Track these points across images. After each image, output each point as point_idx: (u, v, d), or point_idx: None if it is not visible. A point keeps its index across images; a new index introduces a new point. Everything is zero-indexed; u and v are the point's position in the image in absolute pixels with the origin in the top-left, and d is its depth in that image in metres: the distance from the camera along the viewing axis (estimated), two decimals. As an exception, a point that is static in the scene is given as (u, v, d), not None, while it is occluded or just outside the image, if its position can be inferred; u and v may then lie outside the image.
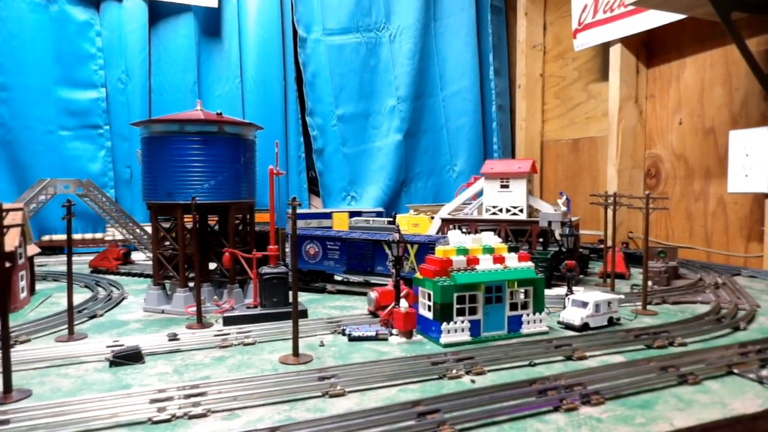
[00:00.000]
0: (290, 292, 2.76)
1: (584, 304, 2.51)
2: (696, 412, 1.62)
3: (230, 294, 3.10)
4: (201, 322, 2.65)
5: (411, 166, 6.32)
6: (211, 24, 5.86)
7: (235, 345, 2.34)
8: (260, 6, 5.88)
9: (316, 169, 6.25)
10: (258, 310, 2.78)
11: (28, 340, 2.43)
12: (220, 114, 3.14)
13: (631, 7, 4.64)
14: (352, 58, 6.14)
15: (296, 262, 2.13)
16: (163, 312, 3.00)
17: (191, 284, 3.01)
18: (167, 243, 3.19)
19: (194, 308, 2.70)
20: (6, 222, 1.82)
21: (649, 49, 5.14)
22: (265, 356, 2.21)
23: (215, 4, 5.70)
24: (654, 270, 3.37)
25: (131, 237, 4.46)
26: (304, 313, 2.80)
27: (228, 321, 2.66)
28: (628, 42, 5.08)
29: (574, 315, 2.50)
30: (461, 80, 6.39)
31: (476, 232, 3.49)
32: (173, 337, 2.35)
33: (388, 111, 6.20)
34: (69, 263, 2.43)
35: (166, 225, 3.26)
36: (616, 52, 5.15)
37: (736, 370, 1.90)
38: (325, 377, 1.87)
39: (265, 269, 2.82)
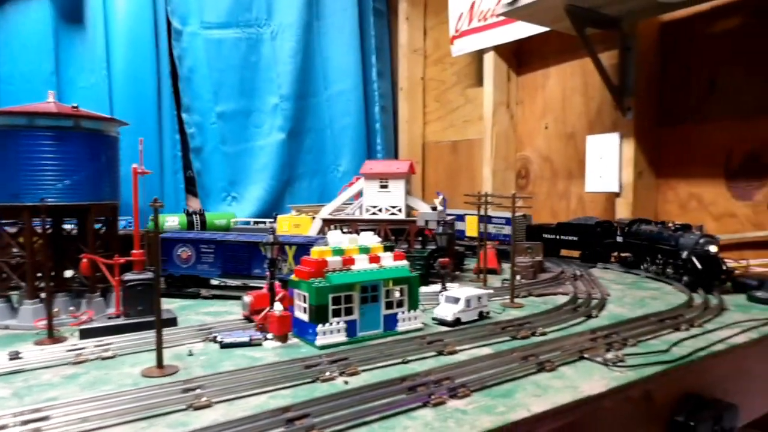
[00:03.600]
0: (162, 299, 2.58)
1: (456, 300, 2.60)
2: (551, 397, 1.74)
3: (90, 304, 2.84)
4: (52, 337, 2.39)
5: (295, 166, 6.23)
6: (71, 8, 5.36)
7: (92, 360, 2.14)
8: (128, -8, 5.48)
9: (193, 168, 5.94)
10: (121, 320, 2.57)
11: None
12: (76, 107, 2.86)
13: (502, 18, 4.92)
14: (232, 53, 5.92)
15: (159, 265, 1.99)
16: (7, 327, 2.67)
17: (43, 295, 2.71)
18: (14, 250, 2.85)
19: (45, 321, 2.44)
20: None
21: (519, 57, 5.49)
22: (125, 370, 2.04)
23: (74, -14, 5.22)
24: (521, 265, 3.59)
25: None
26: (172, 321, 2.63)
27: (85, 333, 2.43)
28: (500, 50, 5.39)
29: (446, 311, 2.58)
30: (345, 81, 6.41)
31: (357, 232, 3.50)
32: (15, 356, 2.10)
33: (271, 109, 6.06)
34: None
35: (13, 230, 2.92)
36: (489, 60, 5.44)
37: (586, 355, 2.06)
38: (190, 389, 1.76)
39: (128, 276, 2.62)
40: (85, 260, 2.74)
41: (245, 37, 5.97)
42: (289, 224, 4.22)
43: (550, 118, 5.21)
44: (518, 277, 3.46)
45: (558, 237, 4.33)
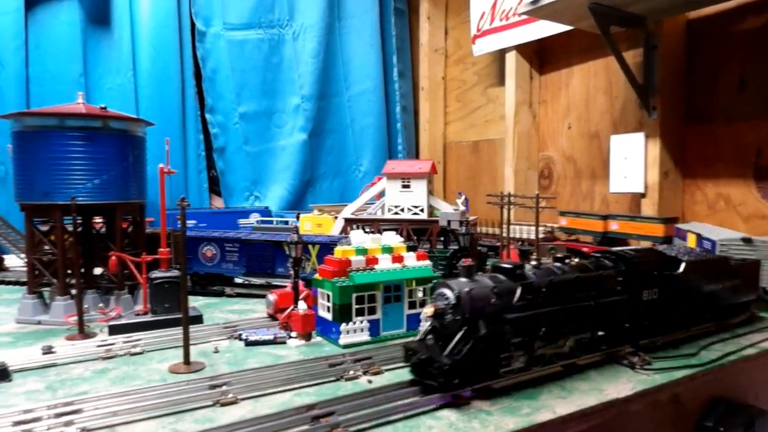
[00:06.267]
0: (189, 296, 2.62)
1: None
2: (576, 399, 1.73)
3: (118, 301, 2.90)
4: (83, 333, 2.45)
5: (316, 166, 6.26)
6: (98, 11, 5.45)
7: (121, 355, 2.19)
8: (154, -6, 5.56)
9: (217, 168, 6.02)
10: (148, 317, 2.62)
11: None
12: (105, 108, 2.92)
13: (524, 17, 4.88)
14: (254, 54, 5.97)
15: (185, 264, 2.02)
16: (39, 323, 2.74)
17: (73, 291, 2.78)
18: (46, 247, 2.92)
19: (75, 317, 2.49)
20: None
21: (541, 56, 5.44)
22: (153, 366, 2.08)
23: (102, -11, 5.32)
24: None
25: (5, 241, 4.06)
26: (198, 319, 2.67)
27: (114, 330, 2.48)
28: (522, 49, 5.35)
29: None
30: (366, 81, 6.42)
31: (379, 231, 3.51)
32: (48, 351, 2.15)
33: (293, 110, 6.10)
34: None
35: (45, 228, 3.00)
36: (511, 59, 5.40)
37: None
38: (217, 385, 1.79)
39: (155, 273, 2.67)
40: (113, 258, 2.80)
41: (267, 38, 6.02)
42: (312, 223, 4.24)
43: (573, 117, 5.15)
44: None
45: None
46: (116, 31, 5.54)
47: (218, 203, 6.13)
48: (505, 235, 3.65)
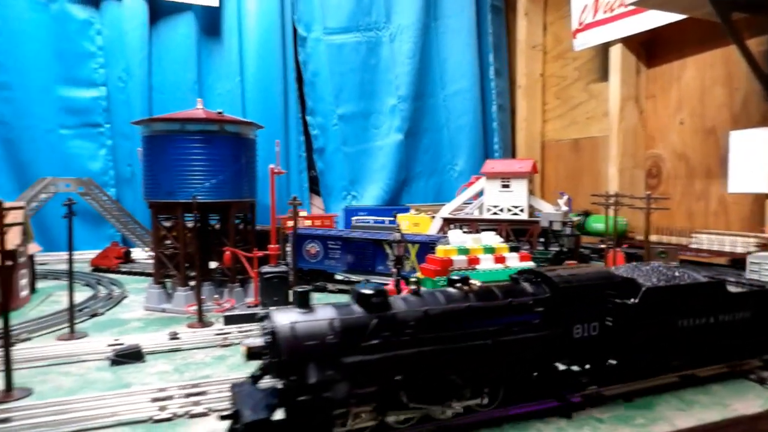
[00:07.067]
0: (290, 291, 2.76)
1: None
2: (697, 413, 1.63)
3: (231, 293, 3.10)
4: (202, 321, 2.65)
5: (412, 166, 6.32)
6: (211, 23, 5.86)
7: (236, 344, 2.34)
8: (260, 5, 5.88)
9: (316, 168, 6.25)
10: (259, 309, 2.78)
11: (29, 339, 2.43)
12: (221, 113, 3.14)
13: (631, 7, 4.63)
14: (352, 57, 6.13)
15: (296, 259, 2.13)
16: (164, 311, 3.00)
17: (191, 283, 3.01)
18: (168, 242, 3.19)
19: (195, 307, 2.70)
20: (7, 221, 1.82)
21: (650, 49, 5.14)
22: (266, 355, 2.20)
23: (216, 3, 5.70)
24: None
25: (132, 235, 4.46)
26: (304, 313, 2.79)
27: (229, 320, 2.66)
28: (628, 42, 5.08)
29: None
30: (461, 80, 6.39)
31: (477, 231, 3.49)
32: (174, 336, 2.35)
33: (389, 110, 6.20)
34: (70, 262, 2.43)
35: (167, 224, 3.27)
36: (616, 52, 5.15)
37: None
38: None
39: (265, 268, 2.82)
40: (227, 253, 3.00)
41: (365, 41, 6.16)
42: (409, 222, 4.29)
43: (685, 112, 4.82)
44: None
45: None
46: (226, 41, 5.91)
47: (317, 203, 6.36)
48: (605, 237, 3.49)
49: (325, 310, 1.40)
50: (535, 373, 1.58)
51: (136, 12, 5.48)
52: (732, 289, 1.87)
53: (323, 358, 1.29)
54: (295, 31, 6.10)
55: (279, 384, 1.32)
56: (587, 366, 1.66)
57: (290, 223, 3.07)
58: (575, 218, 3.54)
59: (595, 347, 1.61)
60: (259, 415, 1.25)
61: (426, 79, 6.30)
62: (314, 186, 6.38)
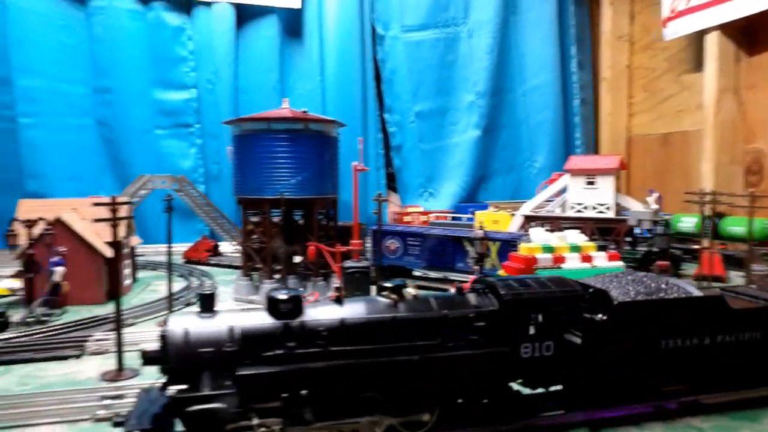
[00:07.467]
0: (372, 286, 2.81)
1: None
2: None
3: (314, 287, 3.20)
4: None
5: (489, 163, 6.24)
6: (293, 25, 6.05)
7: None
8: (340, 6, 6.00)
9: (393, 165, 6.31)
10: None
11: (134, 324, 2.62)
12: (306, 112, 3.24)
13: (731, -8, 4.33)
14: (429, 54, 6.13)
15: (379, 255, 2.16)
16: (251, 302, 3.14)
17: (277, 276, 3.13)
18: (254, 236, 3.33)
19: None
20: (119, 215, 1.98)
21: (751, 36, 4.77)
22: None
23: (298, 5, 5.87)
24: (757, 273, 3.13)
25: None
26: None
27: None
28: (726, 29, 4.74)
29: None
30: (542, 74, 6.22)
31: (559, 229, 3.39)
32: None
33: (466, 107, 6.15)
34: (169, 254, 2.60)
35: (255, 219, 3.41)
36: (712, 41, 4.83)
37: None
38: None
39: (348, 263, 2.89)
40: (312, 248, 3.10)
41: (443, 37, 6.14)
42: (488, 220, 4.23)
43: (792, 103, 4.45)
44: (753, 287, 3.02)
45: None
46: (307, 41, 6.09)
47: (394, 199, 6.41)
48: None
49: (228, 316, 1.29)
50: (485, 398, 1.38)
51: (224, 16, 5.76)
52: (738, 304, 1.61)
53: (219, 367, 1.19)
54: (373, 30, 6.17)
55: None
56: (542, 389, 1.46)
57: (407, 218, 3.08)
58: (706, 221, 3.12)
59: (550, 368, 1.38)
60: (140, 426, 1.16)
61: (504, 75, 6.20)
62: (391, 183, 6.44)
